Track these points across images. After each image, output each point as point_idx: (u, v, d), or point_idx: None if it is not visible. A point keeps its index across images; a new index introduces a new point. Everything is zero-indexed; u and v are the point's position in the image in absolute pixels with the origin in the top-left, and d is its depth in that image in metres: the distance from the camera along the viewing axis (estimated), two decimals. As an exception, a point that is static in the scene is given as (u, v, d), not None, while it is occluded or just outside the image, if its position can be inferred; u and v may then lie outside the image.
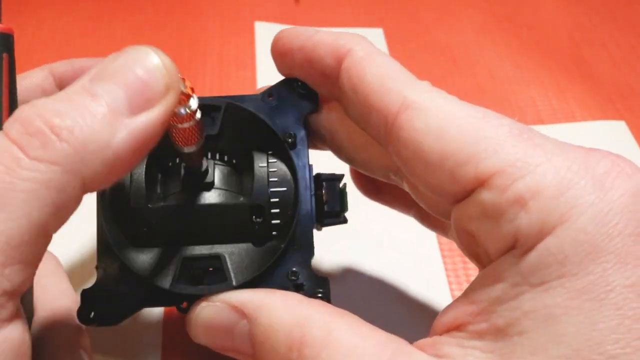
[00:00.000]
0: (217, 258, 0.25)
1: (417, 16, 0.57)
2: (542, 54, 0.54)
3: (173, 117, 0.21)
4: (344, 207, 0.28)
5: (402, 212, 0.34)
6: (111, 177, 0.20)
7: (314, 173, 0.27)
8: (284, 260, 0.25)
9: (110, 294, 0.25)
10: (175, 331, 0.34)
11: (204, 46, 0.53)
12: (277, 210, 0.26)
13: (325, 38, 0.25)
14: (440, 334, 0.22)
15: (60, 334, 0.25)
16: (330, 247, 0.38)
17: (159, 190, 0.26)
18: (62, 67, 0.28)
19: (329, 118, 0.28)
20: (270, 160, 0.26)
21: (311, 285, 0.25)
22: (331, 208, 0.27)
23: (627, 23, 0.57)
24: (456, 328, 0.21)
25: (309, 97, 0.27)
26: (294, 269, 0.25)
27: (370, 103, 0.23)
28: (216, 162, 0.26)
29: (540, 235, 0.20)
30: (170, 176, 0.26)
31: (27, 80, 0.28)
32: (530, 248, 0.20)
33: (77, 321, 0.25)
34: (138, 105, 0.20)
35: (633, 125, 0.48)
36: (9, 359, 0.18)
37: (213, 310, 0.24)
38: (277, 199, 0.26)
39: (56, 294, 0.25)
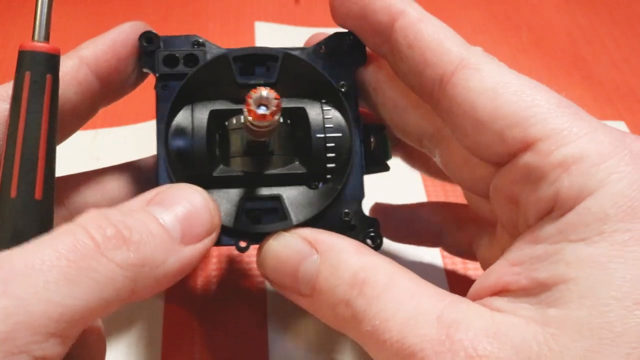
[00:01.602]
0: (276, 198, 0.27)
1: (417, 16, 0.57)
2: (542, 54, 0.54)
3: (256, 130, 0.23)
4: (387, 155, 0.29)
5: (430, 246, 0.36)
6: (154, 292, 0.22)
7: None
8: (337, 203, 0.27)
9: None
10: (176, 330, 0.34)
11: (204, 46, 0.53)
12: (333, 155, 0.27)
13: None
14: (482, 298, 0.23)
15: None
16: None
17: (217, 153, 0.27)
18: (90, 52, 0.27)
19: (375, 75, 0.29)
20: (324, 109, 0.28)
21: (362, 225, 0.27)
22: (377, 155, 0.28)
23: (627, 23, 0.57)
24: (500, 290, 0.22)
25: (358, 50, 0.28)
26: (346, 210, 0.26)
27: (426, 59, 0.24)
28: None
29: (579, 197, 0.21)
30: (229, 137, 0.27)
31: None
32: (569, 209, 0.21)
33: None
34: (189, 238, 0.23)
35: (633, 126, 0.48)
36: None
37: (289, 240, 0.25)
38: (332, 144, 0.27)
39: None
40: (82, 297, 0.19)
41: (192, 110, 0.27)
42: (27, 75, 0.23)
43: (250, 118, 0.23)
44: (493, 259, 0.24)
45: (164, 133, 0.26)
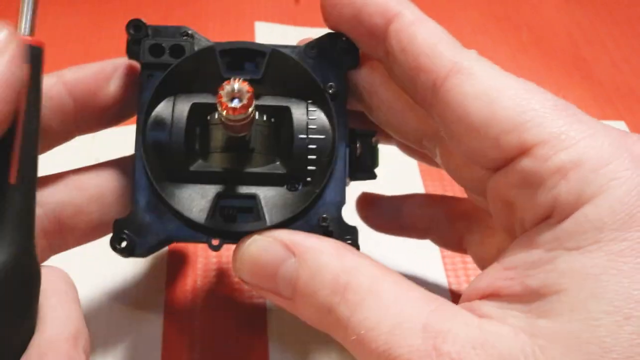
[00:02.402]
0: (252, 197, 0.26)
1: (417, 16, 0.57)
2: (542, 54, 0.54)
3: (230, 123, 0.23)
4: (375, 162, 0.29)
5: (418, 238, 0.35)
6: None
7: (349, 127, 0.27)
8: (316, 206, 0.26)
9: (142, 226, 0.26)
10: (176, 329, 0.34)
11: (204, 46, 0.53)
12: (314, 157, 0.26)
13: None
14: (474, 300, 0.23)
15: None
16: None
17: (197, 147, 0.27)
18: (71, 74, 0.28)
19: (369, 77, 0.28)
20: (309, 109, 0.27)
21: (340, 232, 0.26)
22: (363, 162, 0.28)
23: (627, 23, 0.57)
24: (491, 294, 0.22)
25: (350, 52, 0.27)
26: (325, 215, 0.26)
27: (419, 64, 0.24)
28: (256, 121, 0.26)
29: (577, 203, 0.20)
30: (209, 132, 0.27)
31: None
32: (567, 216, 0.21)
33: (75, 348, 0.24)
34: None
35: (633, 125, 0.48)
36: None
37: (265, 244, 0.24)
38: (314, 146, 0.26)
39: (63, 317, 0.25)
40: None
41: (174, 102, 0.26)
42: None
43: (223, 111, 0.22)
44: (485, 256, 0.23)
45: (143, 123, 0.26)
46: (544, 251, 0.21)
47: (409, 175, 0.43)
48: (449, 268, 0.38)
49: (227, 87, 0.22)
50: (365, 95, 0.28)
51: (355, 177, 0.28)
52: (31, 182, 0.23)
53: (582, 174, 0.20)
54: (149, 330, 0.34)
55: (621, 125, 0.48)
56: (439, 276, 0.37)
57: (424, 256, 0.38)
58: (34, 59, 0.24)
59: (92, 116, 0.28)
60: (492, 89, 0.22)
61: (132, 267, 0.37)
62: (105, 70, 0.28)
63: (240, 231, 0.25)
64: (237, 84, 0.22)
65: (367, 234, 0.36)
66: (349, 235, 0.26)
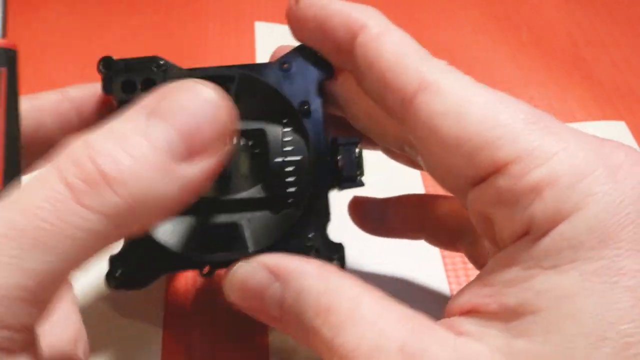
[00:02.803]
0: (235, 225, 0.26)
1: (416, 16, 0.57)
2: (542, 54, 0.54)
3: None
4: (360, 171, 0.28)
5: (411, 239, 0.34)
6: (149, 227, 0.21)
7: (330, 137, 0.27)
8: (301, 226, 0.26)
9: (135, 260, 0.26)
10: (176, 328, 0.34)
11: (204, 46, 0.53)
12: (293, 179, 0.26)
13: (339, 10, 0.25)
14: (455, 315, 0.23)
15: None
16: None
17: None
18: (75, 92, 0.28)
19: (344, 87, 0.27)
20: (284, 130, 0.27)
21: (326, 250, 0.26)
22: (348, 172, 0.27)
23: (627, 23, 0.57)
24: (470, 310, 0.22)
25: (323, 65, 0.27)
26: (310, 234, 0.26)
27: (386, 81, 0.23)
28: (234, 148, 0.26)
29: (554, 222, 0.20)
30: None
31: (38, 102, 0.28)
32: (543, 234, 0.20)
33: (75, 351, 0.24)
34: (195, 152, 0.19)
35: (633, 126, 0.48)
36: None
37: (249, 269, 0.25)
38: (292, 168, 0.26)
39: (64, 319, 0.25)
40: (60, 259, 0.18)
41: None
42: None
43: None
44: (479, 255, 0.23)
45: None
46: (521, 269, 0.21)
47: (409, 177, 0.43)
48: (449, 268, 0.38)
49: None
50: (343, 105, 0.28)
51: (342, 187, 0.28)
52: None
53: (558, 191, 0.20)
54: (149, 336, 0.34)
55: (621, 125, 0.48)
56: (439, 276, 0.37)
57: (424, 256, 0.38)
58: (9, 62, 0.24)
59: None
60: (460, 105, 0.22)
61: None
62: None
63: (226, 260, 0.26)
64: None
65: (367, 235, 0.36)
66: (335, 254, 0.26)
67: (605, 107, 0.50)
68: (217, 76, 0.26)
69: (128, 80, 0.27)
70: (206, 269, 0.26)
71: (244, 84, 0.27)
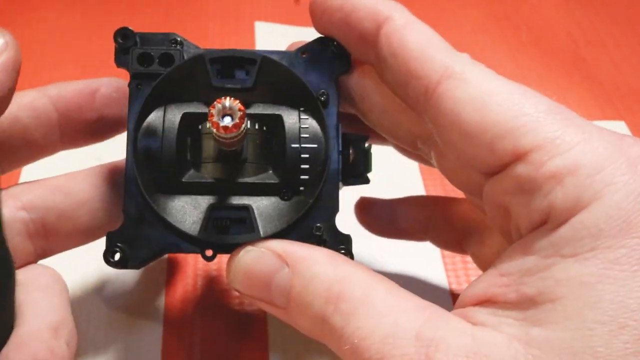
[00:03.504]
0: (245, 209, 0.26)
1: (416, 15, 0.57)
2: (542, 53, 0.54)
3: (222, 140, 0.23)
4: (368, 167, 0.28)
5: (417, 240, 0.35)
6: None
7: (341, 132, 0.27)
8: (310, 215, 0.26)
9: (134, 238, 0.26)
10: (176, 336, 0.34)
11: (204, 46, 0.53)
12: (307, 166, 0.26)
13: (364, 1, 0.25)
14: (469, 306, 0.22)
15: (38, 352, 0.24)
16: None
17: (189, 157, 0.27)
18: (55, 89, 0.28)
19: (361, 81, 0.28)
20: (301, 117, 0.27)
21: (334, 241, 0.26)
22: (356, 167, 0.27)
23: (627, 23, 0.57)
24: (486, 300, 0.22)
25: (342, 57, 0.27)
26: (318, 224, 0.25)
27: (410, 70, 0.24)
28: (249, 132, 0.26)
29: (573, 210, 0.20)
30: (201, 142, 0.27)
31: (17, 99, 0.28)
32: (563, 222, 0.20)
33: (56, 339, 0.24)
34: None
35: (633, 125, 0.48)
36: None
37: (257, 254, 0.24)
38: (307, 155, 0.26)
39: (44, 309, 0.25)
40: None
41: (165, 112, 0.26)
42: None
43: (214, 129, 0.22)
44: (485, 256, 0.23)
45: (133, 134, 0.26)
46: (540, 258, 0.21)
47: (409, 176, 0.43)
48: (449, 268, 0.38)
49: (218, 105, 0.22)
50: (357, 100, 0.28)
51: (347, 182, 0.27)
52: None
53: (578, 179, 0.20)
54: (149, 337, 0.34)
55: (621, 125, 0.48)
56: (439, 276, 0.37)
57: (424, 256, 0.38)
58: None
59: (76, 131, 0.28)
60: (485, 94, 0.22)
61: (131, 274, 0.37)
62: (91, 86, 0.28)
63: (233, 243, 0.25)
64: (228, 101, 0.22)
65: (367, 235, 0.37)
66: (342, 245, 0.26)
67: (605, 107, 0.50)
68: (239, 57, 0.26)
69: (145, 53, 0.26)
70: (209, 252, 0.25)
71: (265, 67, 0.26)
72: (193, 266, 0.37)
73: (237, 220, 0.25)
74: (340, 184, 0.27)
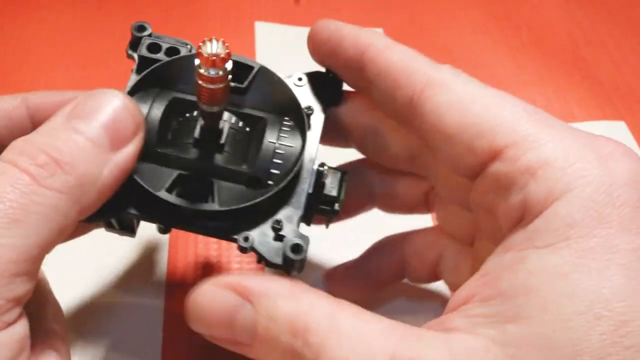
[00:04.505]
0: (210, 184, 0.26)
1: (417, 16, 0.57)
2: (542, 54, 0.54)
3: (206, 78, 0.23)
4: (340, 195, 0.28)
5: (396, 282, 0.35)
6: (99, 204, 0.23)
7: (319, 162, 0.28)
8: (273, 211, 0.26)
9: None
10: (176, 329, 0.34)
11: (204, 46, 0.53)
12: (280, 162, 0.27)
13: (347, 32, 0.28)
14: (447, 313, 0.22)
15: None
16: (328, 246, 0.38)
17: (169, 137, 0.28)
18: (37, 98, 0.28)
19: (352, 107, 0.30)
20: (284, 123, 0.28)
21: (292, 238, 0.25)
22: (329, 193, 0.28)
23: (627, 23, 0.57)
24: (465, 302, 0.22)
25: (334, 88, 0.30)
26: (279, 218, 0.26)
27: (396, 82, 0.26)
28: (232, 125, 0.28)
29: (547, 201, 0.21)
30: (185, 127, 0.28)
31: None
32: (537, 214, 0.21)
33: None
34: (118, 143, 0.23)
35: (633, 126, 0.48)
36: (15, 350, 0.20)
37: (215, 293, 0.23)
38: (282, 152, 0.27)
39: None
40: (34, 232, 0.20)
41: (158, 92, 0.28)
42: None
43: (201, 67, 0.23)
44: (460, 281, 0.23)
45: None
46: (516, 252, 0.21)
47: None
48: (449, 268, 0.38)
49: (207, 42, 0.23)
50: (351, 128, 0.30)
51: (318, 207, 0.28)
52: None
53: (551, 172, 0.21)
54: (149, 334, 0.34)
55: (621, 125, 0.48)
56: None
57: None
58: None
59: None
60: (465, 98, 0.24)
61: (131, 268, 0.37)
62: (69, 99, 0.28)
63: (191, 208, 0.25)
64: (215, 40, 0.23)
65: (367, 235, 0.37)
66: (300, 241, 0.25)
67: (605, 107, 0.50)
68: (239, 63, 0.28)
69: (155, 43, 0.29)
70: (163, 225, 0.26)
71: (261, 75, 0.28)
72: (193, 261, 0.37)
73: (199, 195, 0.26)
74: (306, 220, 0.27)
